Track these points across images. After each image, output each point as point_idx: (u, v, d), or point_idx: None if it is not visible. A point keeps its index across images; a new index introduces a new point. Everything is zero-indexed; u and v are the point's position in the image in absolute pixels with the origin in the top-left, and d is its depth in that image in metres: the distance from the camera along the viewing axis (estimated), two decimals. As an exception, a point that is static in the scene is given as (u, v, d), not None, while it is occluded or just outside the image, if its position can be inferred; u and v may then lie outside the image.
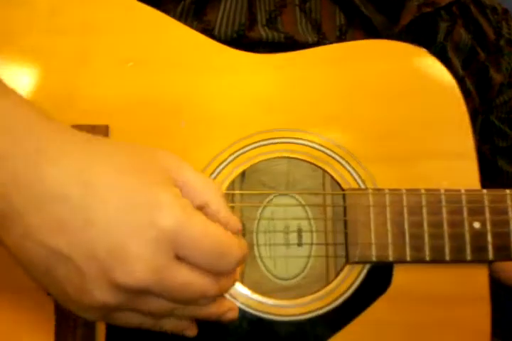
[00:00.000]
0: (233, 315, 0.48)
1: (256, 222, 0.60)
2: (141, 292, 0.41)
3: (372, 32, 0.63)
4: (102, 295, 0.40)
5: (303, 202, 0.60)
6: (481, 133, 0.74)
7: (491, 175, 0.76)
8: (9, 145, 0.40)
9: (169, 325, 0.47)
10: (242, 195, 0.60)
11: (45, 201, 0.39)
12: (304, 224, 0.59)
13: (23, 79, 0.57)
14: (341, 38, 0.63)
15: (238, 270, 0.46)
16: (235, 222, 0.45)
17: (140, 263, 0.39)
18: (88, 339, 0.51)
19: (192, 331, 0.49)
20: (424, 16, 0.65)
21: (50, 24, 0.58)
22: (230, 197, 0.58)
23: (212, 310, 0.47)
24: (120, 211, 0.40)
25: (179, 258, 0.41)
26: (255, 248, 0.59)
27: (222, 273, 0.43)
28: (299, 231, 0.59)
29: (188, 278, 0.42)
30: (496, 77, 0.72)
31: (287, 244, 0.59)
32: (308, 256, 0.59)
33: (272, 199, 0.60)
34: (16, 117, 0.41)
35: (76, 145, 0.42)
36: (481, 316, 0.54)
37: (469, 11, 0.72)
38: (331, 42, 0.60)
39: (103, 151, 0.42)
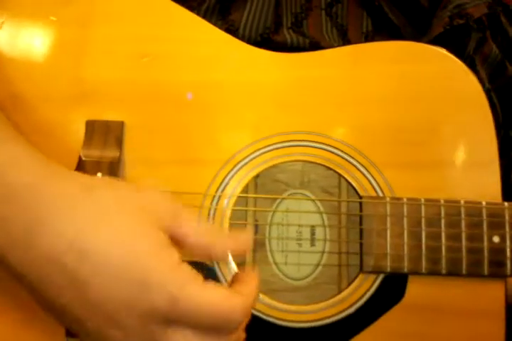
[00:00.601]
0: None
1: (269, 224, 0.59)
2: None
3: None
4: None
5: (319, 206, 0.59)
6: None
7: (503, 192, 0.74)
8: (9, 211, 0.41)
9: None
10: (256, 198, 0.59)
11: (41, 265, 0.41)
12: (319, 230, 0.59)
13: (34, 74, 0.56)
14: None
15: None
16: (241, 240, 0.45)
17: (133, 334, 0.41)
18: None
19: None
20: (456, 28, 0.62)
21: (62, 14, 0.56)
22: (244, 201, 0.57)
23: None
24: (113, 285, 0.41)
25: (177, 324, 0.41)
26: (268, 250, 0.58)
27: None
28: (312, 235, 0.58)
29: None
30: None
31: (300, 249, 0.58)
32: (319, 263, 0.58)
33: (286, 199, 0.59)
34: (17, 180, 0.42)
35: (71, 204, 0.42)
36: (495, 331, 0.54)
37: (499, 22, 0.68)
38: None
39: (96, 211, 0.42)
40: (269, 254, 0.58)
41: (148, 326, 0.41)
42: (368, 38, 0.62)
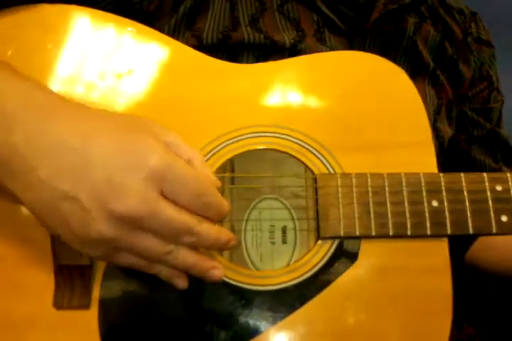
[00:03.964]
0: (219, 273, 0.54)
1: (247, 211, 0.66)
2: (135, 223, 0.47)
3: (345, 28, 0.72)
4: (101, 225, 0.47)
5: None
6: (457, 124, 0.81)
7: (465, 165, 0.82)
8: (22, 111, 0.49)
9: (162, 271, 0.53)
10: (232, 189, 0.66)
11: (51, 149, 0.48)
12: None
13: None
14: (319, 31, 0.71)
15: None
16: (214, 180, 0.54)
17: (134, 195, 0.47)
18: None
19: (182, 281, 0.54)
20: (392, 13, 0.73)
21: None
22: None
23: (197, 260, 0.52)
24: (116, 155, 0.48)
25: (165, 196, 0.49)
26: (243, 243, 0.64)
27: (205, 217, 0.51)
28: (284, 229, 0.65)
29: (173, 212, 0.49)
30: (465, 71, 0.80)
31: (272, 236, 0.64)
32: (293, 248, 0.64)
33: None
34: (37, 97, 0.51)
35: (78, 111, 0.51)
36: (443, 286, 0.58)
37: (438, 13, 0.81)
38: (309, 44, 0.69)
39: (100, 115, 0.51)
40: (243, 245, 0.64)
41: (147, 189, 0.48)
42: (320, 25, 0.71)
